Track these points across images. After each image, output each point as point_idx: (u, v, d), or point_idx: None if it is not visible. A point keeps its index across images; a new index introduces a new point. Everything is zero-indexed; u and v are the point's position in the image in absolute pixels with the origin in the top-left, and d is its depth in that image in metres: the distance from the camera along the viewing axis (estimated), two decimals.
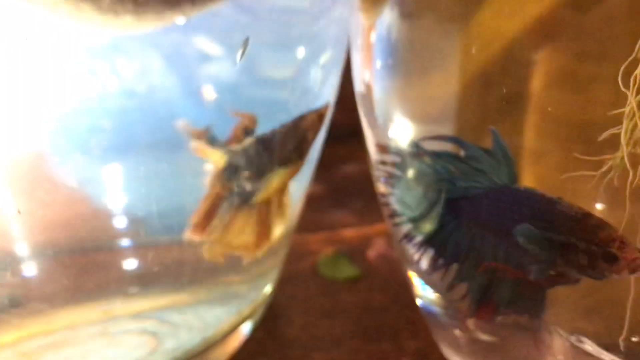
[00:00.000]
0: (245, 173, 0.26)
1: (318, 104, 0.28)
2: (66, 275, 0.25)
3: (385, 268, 0.37)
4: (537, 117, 0.20)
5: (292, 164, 0.27)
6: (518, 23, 0.20)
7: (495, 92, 0.21)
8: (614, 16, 0.18)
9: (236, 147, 0.25)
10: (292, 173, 0.28)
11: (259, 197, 0.27)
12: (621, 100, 0.18)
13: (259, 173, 0.26)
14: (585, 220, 0.19)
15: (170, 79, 0.23)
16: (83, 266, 0.25)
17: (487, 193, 0.21)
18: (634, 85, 0.17)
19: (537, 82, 0.20)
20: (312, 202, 0.34)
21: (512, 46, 0.20)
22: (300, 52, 0.26)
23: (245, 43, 0.23)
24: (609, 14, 0.18)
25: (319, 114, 0.27)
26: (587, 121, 0.19)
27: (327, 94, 0.28)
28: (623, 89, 0.16)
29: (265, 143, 0.26)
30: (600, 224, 0.19)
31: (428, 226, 0.23)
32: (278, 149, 0.26)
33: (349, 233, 0.41)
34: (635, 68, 0.17)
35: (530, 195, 0.20)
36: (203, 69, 0.24)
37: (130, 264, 0.25)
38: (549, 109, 0.20)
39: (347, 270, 0.36)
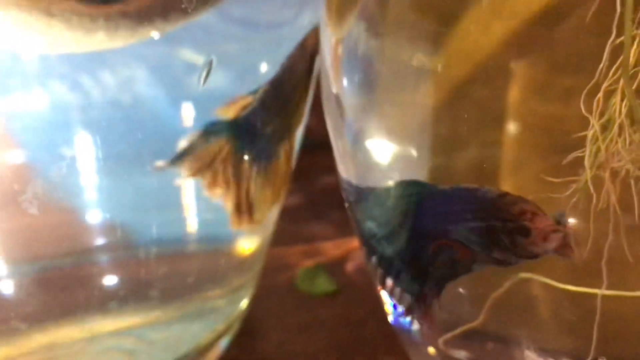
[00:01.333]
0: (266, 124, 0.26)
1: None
2: (44, 293, 0.24)
3: (363, 281, 0.37)
4: (514, 129, 0.20)
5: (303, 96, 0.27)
6: (492, 38, 0.20)
7: (470, 106, 0.21)
8: (586, 31, 0.18)
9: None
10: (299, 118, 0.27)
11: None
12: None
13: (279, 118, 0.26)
14: (500, 200, 0.19)
15: (155, 90, 0.23)
16: (61, 283, 0.25)
17: (424, 199, 0.21)
18: (597, 108, 0.17)
19: (513, 94, 0.20)
20: (289, 214, 0.34)
21: (487, 60, 0.20)
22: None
23: (209, 65, 0.23)
24: (580, 28, 0.18)
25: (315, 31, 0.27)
26: (565, 131, 0.19)
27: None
28: (585, 113, 0.17)
29: (275, 84, 0.25)
30: (513, 201, 0.19)
31: (397, 242, 0.23)
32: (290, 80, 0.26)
33: (328, 246, 0.41)
34: (599, 90, 0.17)
35: (456, 192, 0.20)
36: (189, 80, 0.24)
37: (109, 280, 0.25)
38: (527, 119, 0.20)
39: (325, 284, 0.36)
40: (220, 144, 0.25)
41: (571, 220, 0.19)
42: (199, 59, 0.23)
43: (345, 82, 0.22)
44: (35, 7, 0.22)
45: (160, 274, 0.26)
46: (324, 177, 0.46)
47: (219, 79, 0.24)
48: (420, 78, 0.21)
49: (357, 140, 0.24)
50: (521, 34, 0.20)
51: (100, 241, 0.25)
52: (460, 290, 0.22)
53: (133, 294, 0.26)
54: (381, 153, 0.23)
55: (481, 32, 0.20)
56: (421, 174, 0.22)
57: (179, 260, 0.27)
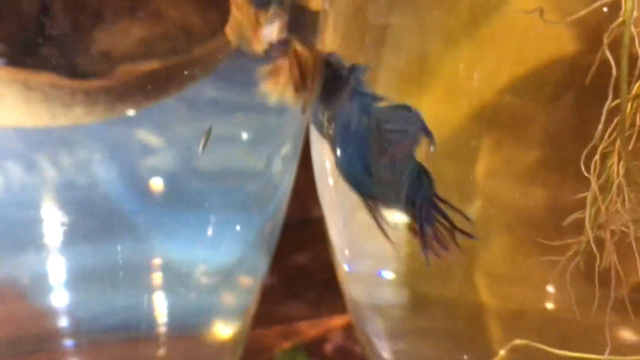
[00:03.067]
0: None
1: (279, 194, 0.27)
2: None
3: None
4: (482, 203, 0.21)
5: None
6: (460, 110, 0.21)
7: (439, 179, 0.21)
8: (558, 104, 0.19)
9: None
10: None
11: None
12: (567, 185, 0.18)
13: None
14: None
15: (112, 171, 0.23)
16: None
17: None
18: (595, 170, 0.17)
19: (481, 168, 0.21)
20: (264, 294, 0.33)
21: (454, 133, 0.21)
22: (263, 144, 0.26)
23: (208, 133, 0.23)
24: (551, 101, 0.19)
25: None
26: (532, 206, 0.19)
27: (287, 183, 0.28)
28: (586, 173, 0.17)
29: None
30: None
31: None
32: None
33: (305, 326, 0.40)
34: (595, 154, 0.17)
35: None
36: (146, 161, 0.23)
37: None
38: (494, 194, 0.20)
39: None
40: None
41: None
42: (155, 140, 0.23)
43: (339, 155, 0.22)
44: (14, 80, 0.22)
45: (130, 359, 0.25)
46: (298, 255, 0.45)
47: (170, 160, 0.24)
48: None
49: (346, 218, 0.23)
50: (493, 105, 0.20)
51: (61, 325, 0.24)
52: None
53: None
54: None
55: (453, 101, 0.21)
56: None
57: (151, 346, 0.26)
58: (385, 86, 0.22)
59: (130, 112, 0.23)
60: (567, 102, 0.19)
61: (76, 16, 0.22)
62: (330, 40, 0.24)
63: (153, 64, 0.23)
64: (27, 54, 0.21)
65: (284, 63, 0.24)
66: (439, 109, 0.21)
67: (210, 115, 0.24)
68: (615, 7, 0.17)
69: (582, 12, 0.18)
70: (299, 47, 0.24)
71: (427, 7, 0.22)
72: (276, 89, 0.24)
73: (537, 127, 0.19)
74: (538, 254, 0.19)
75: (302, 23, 0.25)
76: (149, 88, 0.23)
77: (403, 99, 0.21)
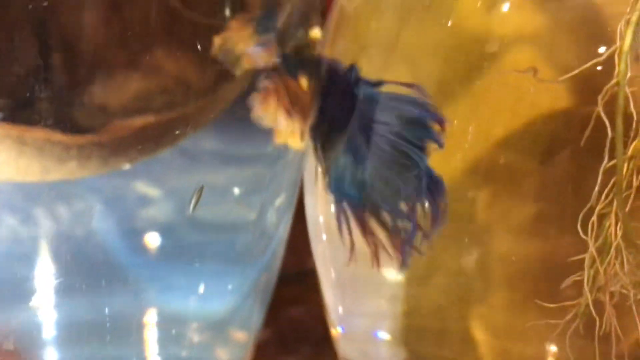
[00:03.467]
0: None
1: (273, 245, 0.27)
2: None
3: None
4: (480, 256, 0.20)
5: None
6: (456, 163, 0.21)
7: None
8: (553, 159, 0.19)
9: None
10: None
11: None
12: (566, 240, 0.18)
13: None
14: None
15: (108, 223, 0.23)
16: None
17: None
18: (592, 231, 0.17)
19: (478, 222, 0.20)
20: (258, 349, 0.32)
21: (451, 186, 0.21)
22: (257, 195, 0.26)
23: (199, 192, 0.23)
24: (546, 156, 0.19)
25: None
26: (531, 260, 0.19)
27: (281, 235, 0.28)
28: (583, 235, 0.17)
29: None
30: None
31: None
32: None
33: None
34: (592, 214, 0.17)
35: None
36: (143, 213, 0.23)
37: None
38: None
39: None
40: None
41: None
42: (153, 192, 0.23)
43: (333, 209, 0.22)
44: (7, 135, 0.22)
45: None
46: (293, 309, 0.45)
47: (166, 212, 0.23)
48: None
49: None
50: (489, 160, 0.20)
51: None
52: None
53: None
54: None
55: (449, 155, 0.21)
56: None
57: None
58: None
59: (125, 166, 0.23)
60: (562, 157, 0.18)
61: (74, 70, 0.22)
62: None
63: (148, 118, 0.23)
64: (23, 108, 0.21)
65: (273, 88, 0.24)
66: (435, 162, 0.21)
67: (207, 166, 0.24)
68: (610, 64, 0.17)
69: (575, 72, 0.18)
70: (288, 78, 0.25)
71: (422, 62, 0.22)
72: (268, 114, 0.24)
73: (533, 182, 0.19)
74: (537, 312, 0.19)
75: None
76: (143, 142, 0.23)
77: None
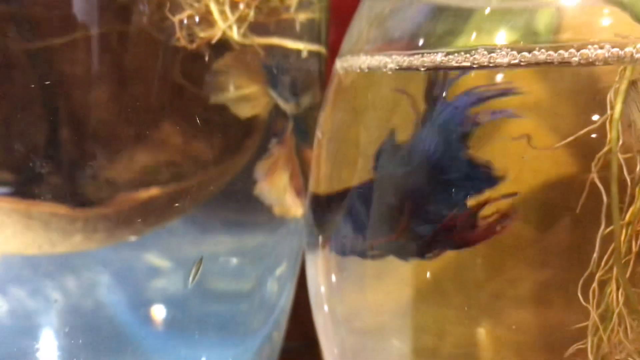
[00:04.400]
0: None
1: (275, 315, 0.27)
2: None
3: None
4: (490, 326, 0.20)
5: None
6: None
7: (445, 301, 0.20)
8: (556, 226, 0.19)
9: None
10: None
11: None
12: (573, 308, 0.18)
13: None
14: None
15: (117, 294, 0.23)
16: None
17: None
18: (594, 298, 0.16)
19: (487, 290, 0.20)
20: None
21: (458, 255, 0.20)
22: (257, 265, 0.26)
23: (199, 264, 0.23)
24: (549, 223, 0.19)
25: None
26: (541, 329, 0.19)
27: (283, 305, 0.27)
28: (584, 303, 0.16)
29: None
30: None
31: None
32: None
33: None
34: (592, 281, 0.17)
35: None
36: (152, 285, 0.23)
37: None
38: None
39: None
40: None
41: None
42: (163, 263, 0.23)
43: (333, 279, 0.22)
44: (14, 210, 0.22)
45: None
46: None
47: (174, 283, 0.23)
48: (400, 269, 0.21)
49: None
50: None
51: None
52: None
53: None
54: None
55: None
56: None
57: None
58: None
59: (131, 239, 0.23)
60: (565, 223, 0.18)
61: (82, 145, 0.22)
62: None
63: (154, 191, 0.23)
64: (31, 183, 0.22)
65: (282, 154, 0.25)
66: None
67: (214, 235, 0.24)
68: (604, 131, 0.17)
69: (570, 139, 0.18)
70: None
71: None
72: (275, 186, 0.25)
73: (538, 249, 0.19)
74: None
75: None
76: (148, 214, 0.23)
77: None
